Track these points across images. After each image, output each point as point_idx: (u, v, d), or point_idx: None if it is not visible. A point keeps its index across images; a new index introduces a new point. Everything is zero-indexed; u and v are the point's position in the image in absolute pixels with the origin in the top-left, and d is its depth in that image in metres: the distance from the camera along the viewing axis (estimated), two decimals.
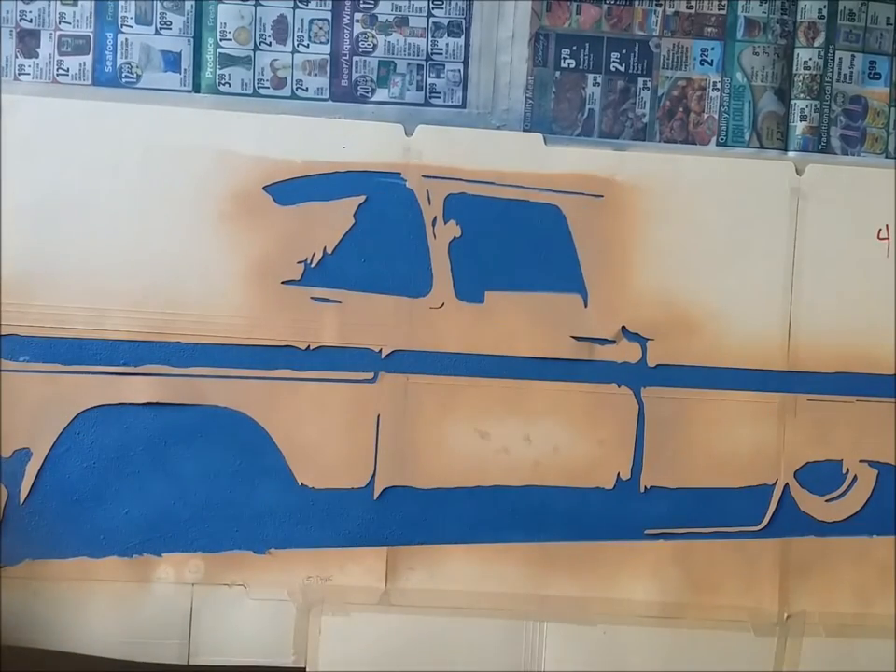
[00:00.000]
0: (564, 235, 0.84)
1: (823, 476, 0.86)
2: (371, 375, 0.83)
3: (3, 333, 0.81)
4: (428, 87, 0.84)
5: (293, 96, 0.84)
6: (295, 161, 0.83)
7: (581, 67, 0.85)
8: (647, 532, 0.85)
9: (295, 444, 0.83)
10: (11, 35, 0.81)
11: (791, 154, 0.86)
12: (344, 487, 0.84)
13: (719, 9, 0.85)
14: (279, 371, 0.83)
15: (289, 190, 0.83)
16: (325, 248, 0.83)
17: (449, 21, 0.84)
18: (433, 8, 0.84)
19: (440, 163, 0.83)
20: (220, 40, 0.83)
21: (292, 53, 0.83)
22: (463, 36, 0.84)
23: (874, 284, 0.86)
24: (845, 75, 0.87)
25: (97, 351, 0.82)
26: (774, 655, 0.86)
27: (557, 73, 0.85)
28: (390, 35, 0.83)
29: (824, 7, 0.86)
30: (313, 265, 0.83)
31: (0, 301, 0.81)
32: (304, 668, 0.84)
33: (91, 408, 0.81)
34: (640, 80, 0.85)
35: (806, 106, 0.86)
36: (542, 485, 0.85)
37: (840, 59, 0.86)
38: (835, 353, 0.86)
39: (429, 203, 0.83)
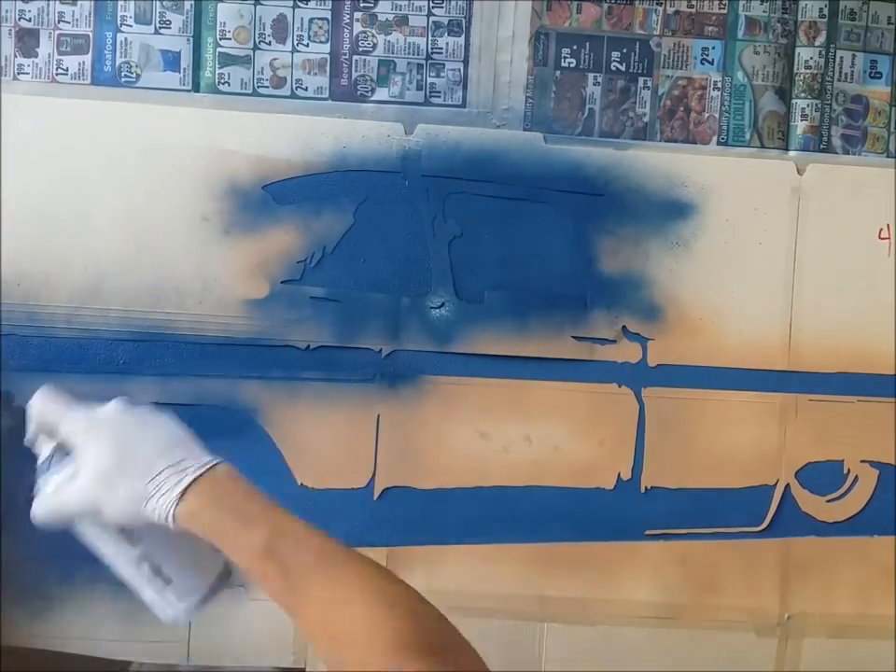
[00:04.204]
0: (564, 235, 0.84)
1: (824, 476, 0.86)
2: (370, 375, 0.83)
3: (3, 333, 0.81)
4: (428, 86, 0.84)
5: (293, 95, 0.83)
6: (295, 161, 0.82)
7: (581, 66, 0.85)
8: (647, 532, 0.85)
9: (295, 444, 0.83)
10: (10, 34, 0.81)
11: (791, 153, 0.86)
12: (344, 487, 0.83)
13: (719, 8, 0.85)
14: (279, 371, 0.82)
15: (289, 190, 0.83)
16: (324, 248, 0.83)
17: (449, 21, 0.84)
18: (433, 7, 0.83)
19: (440, 163, 0.83)
20: (220, 39, 0.82)
21: (292, 52, 0.83)
22: (463, 36, 0.84)
23: (874, 284, 0.85)
24: (846, 74, 0.86)
25: (97, 351, 0.82)
26: (775, 655, 0.86)
27: (557, 72, 0.85)
28: (390, 34, 0.83)
29: (825, 6, 0.85)
30: (312, 265, 0.83)
31: (0, 300, 0.80)
32: (304, 668, 0.83)
33: None
34: (641, 80, 0.85)
35: (807, 106, 0.86)
36: (542, 485, 0.85)
37: (841, 58, 0.86)
38: (836, 353, 0.85)
39: (429, 203, 0.83)
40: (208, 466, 0.58)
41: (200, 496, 0.57)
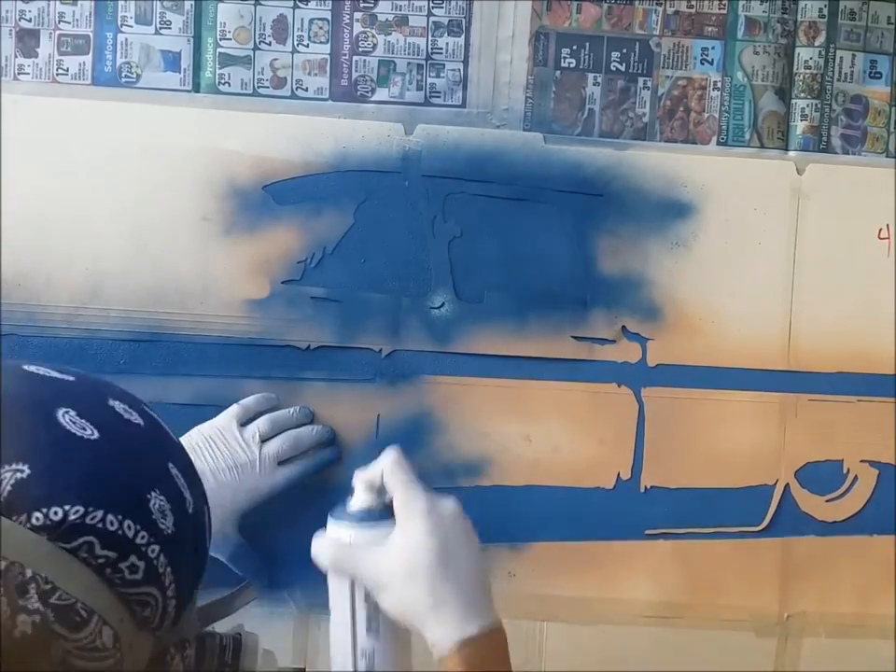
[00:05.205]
0: (564, 235, 0.84)
1: (824, 476, 0.86)
2: (371, 375, 0.83)
3: (3, 333, 0.81)
4: (428, 86, 0.84)
5: (293, 96, 0.83)
6: (295, 161, 0.83)
7: (581, 67, 0.85)
8: (647, 532, 0.85)
9: None
10: (10, 34, 0.81)
11: (791, 153, 0.86)
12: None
13: (719, 9, 0.85)
14: (279, 371, 0.82)
15: (289, 190, 0.83)
16: (325, 248, 0.83)
17: (449, 21, 0.84)
18: (433, 8, 0.83)
19: (440, 163, 0.83)
20: (220, 40, 0.83)
21: (292, 53, 0.83)
22: (463, 36, 0.84)
23: (874, 284, 0.85)
24: (845, 74, 0.86)
25: (97, 351, 0.82)
26: (774, 655, 0.86)
27: (557, 72, 0.85)
28: (390, 34, 0.83)
29: (825, 6, 0.85)
30: (313, 265, 0.83)
31: (0, 300, 0.80)
32: (304, 669, 0.83)
33: None
34: (640, 80, 0.85)
35: (807, 106, 0.86)
36: (542, 485, 0.85)
37: (841, 58, 0.86)
38: (835, 353, 0.85)
39: (429, 203, 0.83)
40: (493, 626, 0.57)
41: (471, 654, 0.56)
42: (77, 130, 0.81)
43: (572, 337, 0.84)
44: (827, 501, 0.86)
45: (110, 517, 0.37)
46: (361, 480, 0.61)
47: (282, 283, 0.83)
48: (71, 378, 0.44)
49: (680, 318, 0.85)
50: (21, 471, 0.36)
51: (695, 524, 0.85)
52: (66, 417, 0.39)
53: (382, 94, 0.84)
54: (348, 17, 0.83)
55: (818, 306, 0.85)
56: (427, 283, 0.83)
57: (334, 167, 0.83)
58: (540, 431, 0.84)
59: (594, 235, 0.84)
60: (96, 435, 0.39)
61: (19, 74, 0.82)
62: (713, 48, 0.85)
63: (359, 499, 0.61)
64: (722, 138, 0.86)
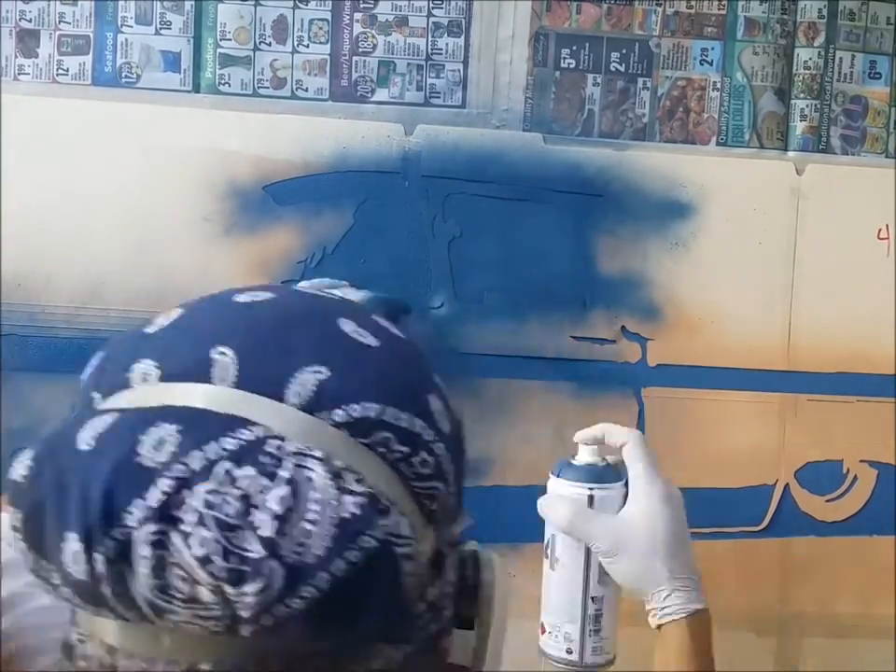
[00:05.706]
0: (563, 235, 0.84)
1: (823, 476, 0.86)
2: None
3: (3, 333, 0.81)
4: (428, 87, 0.84)
5: (293, 96, 0.83)
6: (295, 161, 0.83)
7: (580, 67, 0.85)
8: None
9: None
10: (11, 34, 0.81)
11: (791, 154, 0.86)
12: None
13: (719, 9, 0.85)
14: None
15: (289, 190, 0.83)
16: (324, 248, 0.83)
17: (449, 21, 0.84)
18: (433, 8, 0.83)
19: (439, 163, 0.83)
20: (220, 40, 0.83)
21: (292, 53, 0.83)
22: (463, 36, 0.84)
23: (874, 284, 0.86)
24: (845, 74, 0.86)
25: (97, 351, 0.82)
26: (774, 655, 0.86)
27: (557, 73, 0.85)
28: (390, 34, 0.83)
29: (824, 6, 0.85)
30: (312, 265, 0.83)
31: (0, 300, 0.80)
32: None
33: None
34: (640, 80, 0.85)
35: (806, 106, 0.86)
36: (542, 485, 0.84)
37: (840, 58, 0.86)
38: (835, 353, 0.85)
39: (429, 204, 0.83)
40: (706, 605, 0.61)
41: (696, 625, 0.60)
42: (77, 130, 0.81)
43: (572, 337, 0.84)
44: (827, 501, 0.86)
45: (403, 414, 0.39)
46: (587, 439, 0.63)
47: (282, 283, 0.83)
48: (337, 295, 0.47)
49: (680, 318, 0.85)
50: (321, 372, 0.38)
51: (695, 524, 0.84)
52: (348, 327, 0.41)
53: (382, 95, 0.84)
54: (348, 17, 0.83)
55: (817, 306, 0.85)
56: (427, 283, 0.83)
57: (334, 167, 0.83)
58: (540, 431, 0.84)
59: (593, 235, 0.84)
60: (376, 342, 0.41)
61: (19, 74, 0.82)
62: (713, 48, 0.85)
63: (587, 458, 0.63)
64: (722, 138, 0.86)
